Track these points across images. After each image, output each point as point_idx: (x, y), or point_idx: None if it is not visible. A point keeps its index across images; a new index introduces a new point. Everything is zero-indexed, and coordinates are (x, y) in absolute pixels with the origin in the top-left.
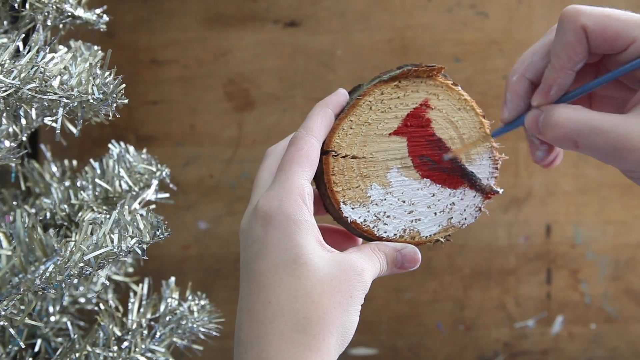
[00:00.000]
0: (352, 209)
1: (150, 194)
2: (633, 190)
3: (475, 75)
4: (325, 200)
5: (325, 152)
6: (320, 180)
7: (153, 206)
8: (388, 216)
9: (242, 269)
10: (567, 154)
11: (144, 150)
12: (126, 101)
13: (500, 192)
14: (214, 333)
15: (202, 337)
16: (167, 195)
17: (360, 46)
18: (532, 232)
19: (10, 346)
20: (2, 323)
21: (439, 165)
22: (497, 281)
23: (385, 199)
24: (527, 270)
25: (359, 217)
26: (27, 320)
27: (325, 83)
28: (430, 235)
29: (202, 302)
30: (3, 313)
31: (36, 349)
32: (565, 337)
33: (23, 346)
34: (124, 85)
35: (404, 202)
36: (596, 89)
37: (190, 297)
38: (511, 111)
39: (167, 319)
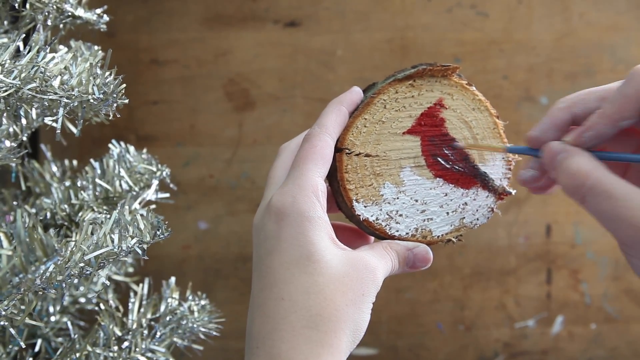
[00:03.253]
0: (365, 207)
1: (150, 194)
2: None
3: (475, 75)
4: (338, 197)
5: (338, 149)
6: (334, 177)
7: (153, 206)
8: (400, 215)
9: (255, 265)
10: None
11: (144, 150)
12: (126, 101)
13: (513, 193)
14: (214, 333)
15: (202, 337)
16: (167, 195)
17: (360, 46)
18: (532, 232)
19: (10, 346)
20: (2, 323)
21: (452, 164)
22: (497, 281)
23: (397, 198)
24: (527, 270)
25: (372, 215)
26: (28, 320)
27: (325, 83)
28: (442, 235)
29: (202, 302)
30: (3, 313)
31: (36, 349)
32: (565, 337)
33: (23, 346)
34: (124, 85)
35: (416, 201)
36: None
37: (190, 297)
38: (540, 132)
39: (168, 319)
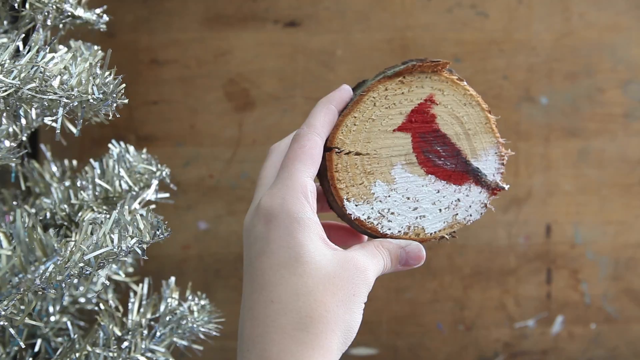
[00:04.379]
0: (356, 206)
1: (150, 194)
2: (633, 190)
3: (475, 75)
4: (328, 197)
5: (328, 148)
6: (324, 177)
7: (153, 206)
8: (392, 213)
9: (245, 267)
10: (566, 154)
11: (144, 150)
12: (126, 101)
13: (507, 188)
14: (214, 333)
15: (202, 337)
16: (167, 195)
17: (360, 46)
18: (532, 232)
19: (10, 346)
20: (2, 323)
21: (443, 161)
22: (497, 281)
23: (389, 196)
24: (527, 270)
25: (363, 214)
26: (27, 320)
27: (325, 83)
28: (435, 232)
29: (202, 302)
30: (3, 313)
31: (36, 349)
32: (565, 337)
33: (23, 346)
34: (124, 85)
35: (408, 198)
36: None
37: (190, 297)
38: None
39: (167, 319)
